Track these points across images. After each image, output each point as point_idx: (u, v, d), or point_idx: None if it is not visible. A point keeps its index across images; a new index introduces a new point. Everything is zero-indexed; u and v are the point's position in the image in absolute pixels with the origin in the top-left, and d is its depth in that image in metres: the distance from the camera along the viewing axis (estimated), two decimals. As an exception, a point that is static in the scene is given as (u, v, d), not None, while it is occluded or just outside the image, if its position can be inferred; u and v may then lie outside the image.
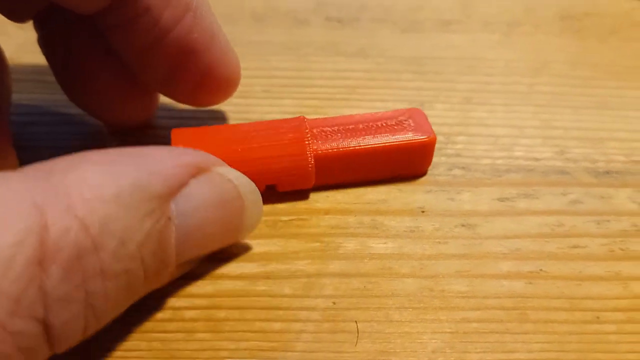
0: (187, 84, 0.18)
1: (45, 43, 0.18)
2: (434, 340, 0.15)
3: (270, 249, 0.17)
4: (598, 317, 0.15)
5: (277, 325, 0.15)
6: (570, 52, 0.25)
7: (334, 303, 0.15)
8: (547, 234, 0.17)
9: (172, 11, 0.16)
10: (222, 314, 0.15)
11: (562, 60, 0.24)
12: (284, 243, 0.17)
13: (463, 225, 0.17)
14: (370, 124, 0.18)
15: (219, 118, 0.21)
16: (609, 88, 0.23)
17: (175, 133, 0.17)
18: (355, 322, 0.15)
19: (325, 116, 0.19)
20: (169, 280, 0.15)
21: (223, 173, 0.14)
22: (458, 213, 0.18)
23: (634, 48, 0.25)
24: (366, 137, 0.18)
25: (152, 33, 0.16)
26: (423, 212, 0.18)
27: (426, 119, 0.18)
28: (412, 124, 0.18)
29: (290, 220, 0.17)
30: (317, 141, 0.18)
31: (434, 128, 0.18)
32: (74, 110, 0.20)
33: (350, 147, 0.18)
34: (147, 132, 0.20)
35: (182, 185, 0.13)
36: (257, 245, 0.17)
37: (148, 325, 0.15)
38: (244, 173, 0.15)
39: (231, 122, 0.21)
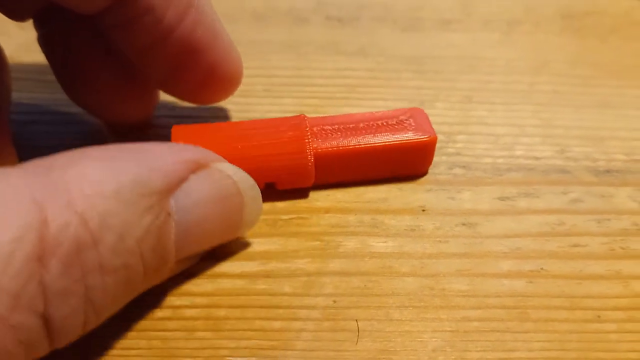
0: (191, 81, 0.18)
1: (45, 42, 0.18)
2: (434, 339, 0.15)
3: (270, 247, 0.17)
4: (599, 316, 0.15)
5: (277, 324, 0.15)
6: (571, 51, 0.25)
7: (334, 302, 0.15)
8: (548, 232, 0.17)
9: (175, 10, 0.16)
10: (222, 312, 0.15)
11: (562, 59, 0.24)
12: (284, 242, 0.17)
13: (464, 224, 0.17)
14: (371, 123, 0.18)
15: (220, 117, 0.21)
16: (609, 87, 0.23)
17: (176, 130, 0.17)
18: (356, 320, 0.15)
19: (326, 115, 0.19)
20: (168, 276, 0.15)
21: (222, 169, 0.14)
22: (458, 212, 0.18)
23: (634, 47, 0.25)
24: (366, 136, 0.18)
25: (155, 32, 0.16)
26: (423, 211, 0.18)
27: (427, 118, 0.18)
28: (412, 124, 0.18)
29: (290, 218, 0.17)
30: (317, 139, 0.17)
31: (435, 127, 0.18)
32: (74, 109, 0.20)
33: (350, 145, 0.18)
34: (147, 131, 0.20)
35: (181, 181, 0.13)
36: (257, 244, 0.17)
37: (148, 323, 0.15)
38: (244, 170, 0.15)
39: (232, 120, 0.21)
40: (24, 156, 0.16)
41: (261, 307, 0.15)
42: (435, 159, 0.19)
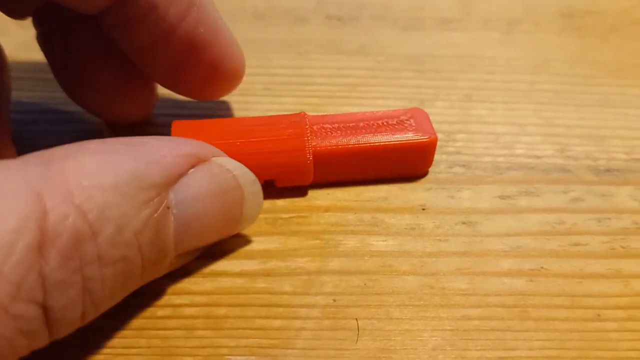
0: (194, 78, 0.18)
1: (44, 40, 0.18)
2: (434, 338, 0.15)
3: (270, 246, 0.17)
4: (599, 315, 0.15)
5: (277, 323, 0.15)
6: (571, 50, 0.25)
7: (334, 300, 0.15)
8: (548, 231, 0.17)
9: (177, 8, 0.16)
10: (222, 311, 0.15)
11: (562, 58, 0.24)
12: (284, 240, 0.17)
13: (464, 223, 0.17)
14: (371, 122, 0.18)
15: (219, 115, 0.21)
16: (609, 86, 0.23)
17: (176, 125, 0.17)
18: (356, 319, 0.15)
19: (326, 114, 0.19)
20: (168, 270, 0.15)
21: (222, 163, 0.15)
22: (458, 211, 0.18)
23: (635, 46, 0.25)
24: (366, 135, 0.18)
25: (158, 31, 0.16)
26: (423, 209, 0.18)
27: (428, 119, 0.18)
28: (413, 124, 0.18)
29: (290, 217, 0.17)
30: (317, 138, 0.17)
31: (435, 126, 0.18)
32: (74, 108, 0.20)
33: (349, 144, 0.17)
34: (146, 128, 0.20)
35: (181, 175, 0.13)
36: (257, 243, 0.17)
37: (148, 322, 0.15)
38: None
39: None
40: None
41: (261, 305, 0.15)
42: (436, 157, 0.19)
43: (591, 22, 0.27)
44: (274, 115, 0.18)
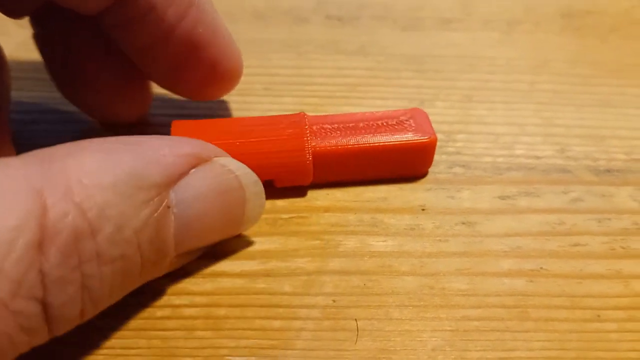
0: (192, 78, 0.18)
1: (42, 40, 0.18)
2: (434, 339, 0.15)
3: (270, 246, 0.17)
4: (599, 316, 0.15)
5: (277, 323, 0.15)
6: (571, 50, 0.25)
7: (334, 301, 0.15)
8: (548, 232, 0.17)
9: (176, 8, 0.16)
10: (221, 311, 0.15)
11: (562, 58, 0.24)
12: (284, 241, 0.17)
13: (463, 223, 0.17)
14: (371, 122, 0.18)
15: (219, 115, 0.21)
16: (609, 86, 0.23)
17: (176, 125, 0.17)
18: (355, 320, 0.15)
19: (325, 114, 0.19)
20: (169, 270, 0.15)
21: (224, 163, 0.15)
22: (458, 211, 0.18)
23: (634, 46, 0.25)
24: (366, 135, 0.18)
25: (157, 31, 0.16)
26: (423, 210, 0.18)
27: (428, 119, 0.18)
28: (413, 125, 0.18)
29: (290, 217, 0.17)
30: (317, 138, 0.17)
31: (434, 126, 0.18)
32: (74, 108, 0.20)
33: (349, 145, 0.17)
34: (145, 130, 0.20)
35: (182, 174, 0.13)
36: (257, 243, 0.17)
37: (147, 322, 0.15)
38: None
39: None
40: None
41: (261, 306, 0.15)
42: (435, 158, 0.19)
43: (591, 22, 0.27)
44: (274, 116, 0.18)
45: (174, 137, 0.15)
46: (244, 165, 0.15)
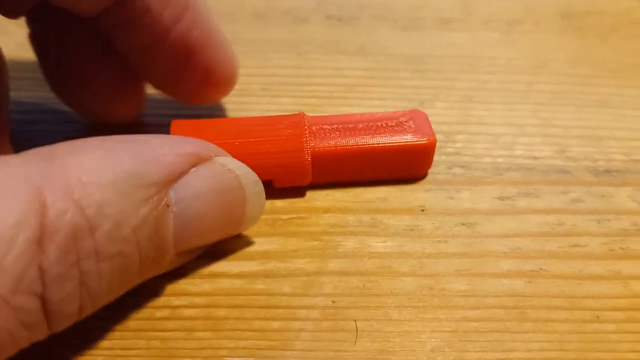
0: (188, 81, 0.18)
1: (38, 40, 0.18)
2: (433, 339, 0.15)
3: (269, 247, 0.17)
4: (598, 317, 0.15)
5: (276, 324, 0.15)
6: (571, 51, 0.25)
7: (333, 302, 0.15)
8: (548, 232, 0.17)
9: (172, 10, 0.16)
10: (221, 312, 0.15)
11: (562, 58, 0.24)
12: (283, 241, 0.17)
13: (463, 224, 0.17)
14: (370, 123, 0.18)
15: (217, 116, 0.21)
16: (609, 86, 0.23)
17: (175, 125, 0.18)
18: (355, 320, 0.15)
19: (325, 115, 0.19)
20: (169, 268, 0.15)
21: (225, 163, 0.15)
22: (458, 212, 0.18)
23: (634, 46, 0.25)
24: (365, 136, 0.18)
25: (152, 33, 0.16)
26: (423, 210, 0.18)
27: (428, 121, 0.18)
28: (412, 126, 0.18)
29: (289, 218, 0.17)
30: (316, 138, 0.17)
31: (434, 127, 0.18)
32: (73, 108, 0.20)
33: (348, 145, 0.17)
34: (145, 130, 0.20)
35: (181, 173, 0.13)
36: (256, 244, 0.17)
37: (146, 323, 0.15)
38: None
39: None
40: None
41: (260, 307, 0.15)
42: (435, 158, 0.19)
43: (591, 23, 0.27)
44: (273, 116, 0.18)
45: (174, 136, 0.15)
46: (244, 165, 0.15)
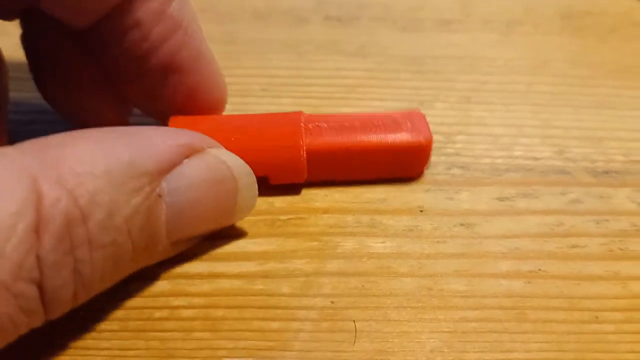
0: (170, 102, 0.18)
1: (28, 40, 0.18)
2: (432, 340, 0.15)
3: (268, 247, 0.17)
4: (597, 317, 0.15)
5: (275, 325, 0.15)
6: (570, 51, 0.25)
7: (332, 302, 0.15)
8: (546, 233, 0.17)
9: (163, 28, 0.16)
10: (220, 313, 0.15)
11: (562, 59, 0.24)
12: (282, 242, 0.17)
13: (462, 225, 0.17)
14: (367, 122, 0.18)
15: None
16: (608, 87, 0.23)
17: (173, 120, 0.18)
18: (354, 321, 0.15)
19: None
20: (163, 257, 0.15)
21: (217, 154, 0.15)
22: (457, 212, 0.18)
23: (634, 47, 0.25)
24: (361, 134, 0.18)
25: (140, 48, 0.16)
26: (422, 211, 0.18)
27: (425, 121, 0.18)
28: (409, 125, 0.18)
29: (288, 219, 0.17)
30: (311, 135, 0.17)
31: (434, 127, 0.18)
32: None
33: (343, 143, 0.17)
34: (143, 124, 0.20)
35: (174, 164, 0.14)
36: (255, 244, 0.17)
37: (145, 324, 0.15)
38: None
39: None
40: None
41: (259, 307, 0.15)
42: (434, 159, 0.19)
43: (591, 23, 0.27)
44: (270, 113, 0.18)
45: (168, 128, 0.15)
46: (237, 157, 0.15)
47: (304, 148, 0.17)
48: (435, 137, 0.18)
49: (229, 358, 0.14)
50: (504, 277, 0.16)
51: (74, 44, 0.17)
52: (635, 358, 0.14)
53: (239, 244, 0.17)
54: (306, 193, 0.18)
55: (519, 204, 0.18)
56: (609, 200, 0.18)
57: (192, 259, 0.16)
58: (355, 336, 0.15)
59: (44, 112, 0.21)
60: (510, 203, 0.18)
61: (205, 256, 0.16)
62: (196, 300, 0.15)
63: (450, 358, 0.14)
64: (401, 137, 0.18)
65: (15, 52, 0.19)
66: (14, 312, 0.11)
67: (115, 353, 0.14)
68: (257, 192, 0.16)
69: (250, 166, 0.15)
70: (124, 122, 0.20)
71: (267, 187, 0.17)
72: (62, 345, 0.14)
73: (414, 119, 0.18)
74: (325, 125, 0.18)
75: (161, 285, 0.16)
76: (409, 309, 0.15)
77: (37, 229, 0.11)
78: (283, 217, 0.17)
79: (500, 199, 0.18)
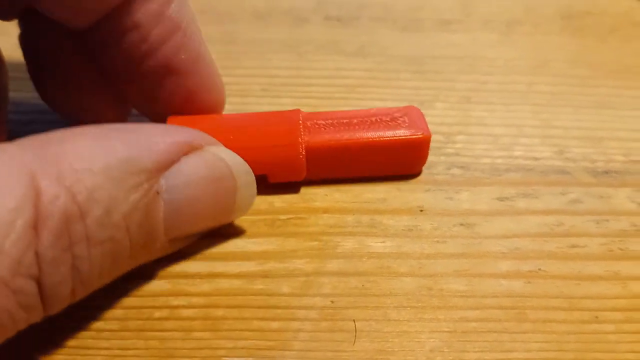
0: (168, 104, 0.18)
1: (25, 41, 0.18)
2: (432, 340, 0.15)
3: (268, 247, 0.17)
4: (597, 317, 0.15)
5: (274, 324, 0.15)
6: (570, 51, 0.25)
7: (332, 302, 0.15)
8: (546, 233, 0.17)
9: (161, 29, 0.16)
10: (219, 312, 0.15)
11: (562, 59, 0.24)
12: (282, 242, 0.17)
13: (462, 225, 0.17)
14: (365, 119, 0.18)
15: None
16: (608, 87, 0.23)
17: (171, 120, 0.18)
18: (353, 321, 0.15)
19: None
20: (161, 254, 0.15)
21: (216, 152, 0.15)
22: (457, 212, 0.18)
23: (634, 47, 0.25)
24: (359, 131, 0.18)
25: (139, 50, 0.16)
26: (422, 211, 0.18)
27: (422, 116, 0.18)
28: (406, 121, 0.18)
29: (288, 219, 0.17)
30: (310, 133, 0.17)
31: (434, 127, 0.18)
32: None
33: (342, 140, 0.17)
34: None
35: (173, 161, 0.14)
36: (255, 244, 0.17)
37: (145, 323, 0.15)
38: None
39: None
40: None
41: (259, 307, 0.15)
42: (434, 159, 0.19)
43: (591, 23, 0.27)
44: (269, 112, 0.18)
45: (167, 125, 0.15)
46: (236, 155, 0.15)
47: (303, 146, 0.17)
48: (435, 137, 0.18)
49: (228, 358, 0.14)
50: (504, 277, 0.16)
51: (73, 45, 0.17)
52: (635, 358, 0.14)
53: (238, 244, 0.17)
54: (306, 193, 0.18)
55: (519, 204, 0.18)
56: (609, 200, 0.18)
57: (192, 258, 0.16)
58: (355, 336, 0.15)
59: (44, 112, 0.21)
60: (510, 203, 0.18)
61: (205, 256, 0.16)
62: (196, 300, 0.15)
63: (450, 358, 0.14)
64: (399, 132, 0.18)
65: (14, 52, 0.19)
66: (13, 308, 0.11)
67: (115, 353, 0.14)
68: (255, 191, 0.16)
69: (249, 165, 0.15)
70: (123, 122, 0.20)
71: (266, 185, 0.17)
72: (61, 345, 0.14)
73: (412, 114, 0.18)
74: (323, 123, 0.18)
75: (161, 284, 0.16)
76: (408, 308, 0.15)
77: (35, 225, 0.11)
78: (283, 217, 0.17)
79: (500, 199, 0.18)
